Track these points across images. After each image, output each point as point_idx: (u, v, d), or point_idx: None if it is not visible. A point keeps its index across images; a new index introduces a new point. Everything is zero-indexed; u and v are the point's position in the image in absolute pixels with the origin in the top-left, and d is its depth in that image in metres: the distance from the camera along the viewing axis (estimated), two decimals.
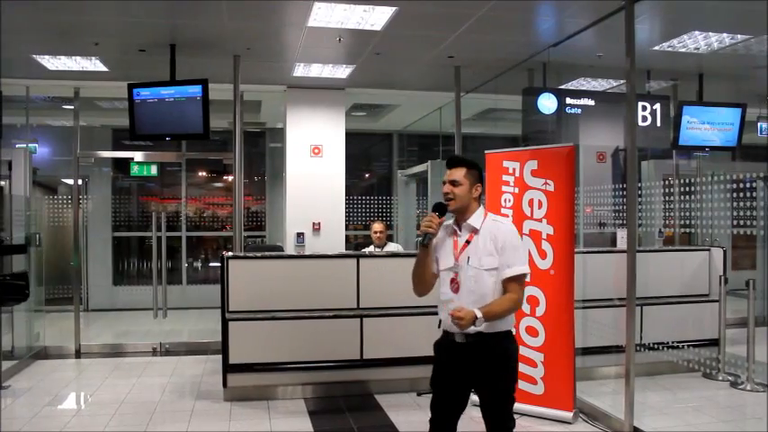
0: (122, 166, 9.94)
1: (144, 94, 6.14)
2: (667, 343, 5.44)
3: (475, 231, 3.01)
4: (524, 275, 3.00)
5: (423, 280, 3.13)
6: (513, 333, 3.09)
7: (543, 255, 4.90)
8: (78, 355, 7.00)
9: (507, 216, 5.13)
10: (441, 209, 3.04)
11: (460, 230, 3.06)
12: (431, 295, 3.19)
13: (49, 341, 7.06)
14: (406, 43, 6.05)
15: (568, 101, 6.44)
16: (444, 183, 3.07)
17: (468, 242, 3.02)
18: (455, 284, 3.01)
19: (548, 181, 4.93)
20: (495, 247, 2.95)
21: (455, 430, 3.08)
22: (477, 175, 3.08)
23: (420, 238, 3.02)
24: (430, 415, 3.09)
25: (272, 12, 5.25)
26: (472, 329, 2.88)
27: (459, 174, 3.04)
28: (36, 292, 7.18)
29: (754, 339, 5.29)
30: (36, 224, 7.31)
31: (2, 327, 5.89)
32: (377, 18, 5.30)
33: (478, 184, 3.07)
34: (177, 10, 5.19)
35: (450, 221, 3.11)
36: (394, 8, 5.05)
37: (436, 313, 4.99)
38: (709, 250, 6.12)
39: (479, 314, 2.81)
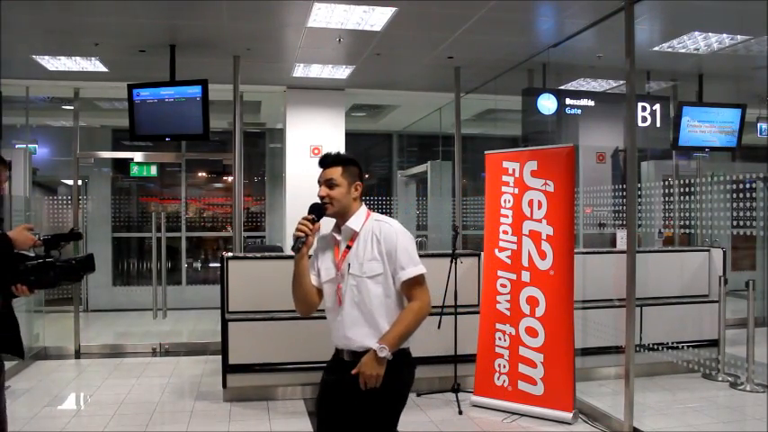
0: (122, 166, 9.93)
1: (144, 94, 6.14)
2: (667, 343, 5.44)
3: (355, 235, 2.66)
4: (422, 276, 2.61)
5: (302, 297, 2.75)
6: (409, 353, 2.69)
7: (543, 255, 4.90)
8: (78, 355, 6.99)
9: (507, 216, 5.15)
10: (317, 211, 2.67)
11: (340, 235, 2.71)
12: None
13: (49, 342, 7.06)
14: (405, 44, 6.05)
15: (568, 101, 6.44)
16: (320, 184, 2.71)
17: (348, 248, 2.66)
18: (338, 296, 2.66)
19: (547, 181, 4.93)
20: (379, 251, 2.60)
21: None
22: (355, 173, 2.73)
23: (292, 246, 2.65)
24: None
25: (272, 12, 5.25)
26: (358, 348, 2.57)
27: (334, 173, 2.67)
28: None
29: (753, 340, 5.28)
30: (36, 224, 7.31)
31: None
32: (377, 19, 5.30)
33: (358, 183, 2.73)
34: (177, 10, 5.19)
35: (329, 231, 2.76)
36: (394, 9, 5.05)
37: (437, 314, 5.03)
38: (708, 251, 6.12)
39: (384, 353, 2.45)
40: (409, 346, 2.67)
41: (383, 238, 2.61)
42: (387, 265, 2.60)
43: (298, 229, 2.62)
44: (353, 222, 2.68)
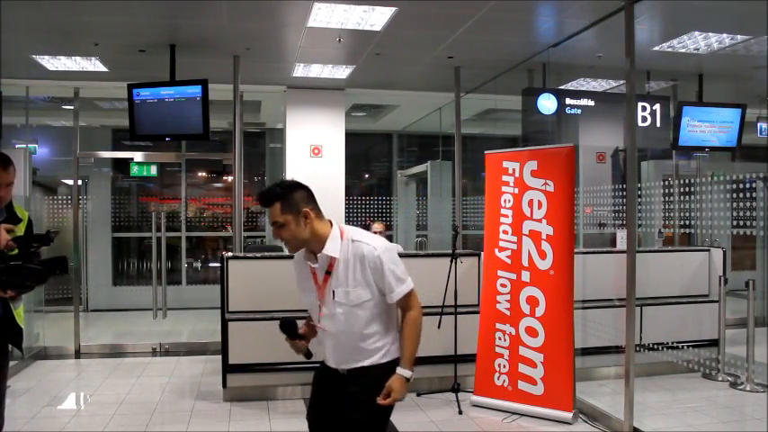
0: (122, 166, 9.93)
1: (144, 94, 6.14)
2: (667, 343, 5.44)
3: (333, 260, 2.52)
4: (413, 290, 2.57)
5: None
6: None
7: (543, 255, 4.90)
8: (78, 355, 7.00)
9: (507, 216, 5.15)
10: (288, 329, 2.65)
11: (316, 260, 2.56)
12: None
13: (49, 341, 7.06)
14: (405, 44, 6.05)
15: (568, 101, 6.45)
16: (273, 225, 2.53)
17: (328, 273, 2.53)
18: (323, 320, 2.60)
19: (547, 181, 4.93)
20: (364, 277, 2.50)
21: None
22: (297, 200, 2.48)
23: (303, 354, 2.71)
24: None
25: (272, 12, 5.25)
26: (352, 366, 2.58)
27: (275, 213, 2.46)
28: (36, 292, 7.15)
29: (753, 340, 5.28)
30: (36, 224, 7.28)
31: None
32: (377, 18, 5.30)
33: (305, 210, 2.48)
34: (177, 10, 5.19)
35: (301, 254, 2.66)
36: (394, 8, 5.05)
37: (436, 314, 5.03)
38: (708, 251, 6.12)
39: (409, 374, 2.52)
40: (397, 356, 2.63)
41: (367, 264, 2.49)
42: (374, 288, 2.53)
43: (295, 349, 2.69)
44: (330, 249, 2.51)
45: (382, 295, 2.55)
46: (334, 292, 2.52)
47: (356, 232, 2.59)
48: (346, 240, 2.53)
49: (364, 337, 2.56)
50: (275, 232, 2.51)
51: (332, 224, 2.58)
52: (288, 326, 2.64)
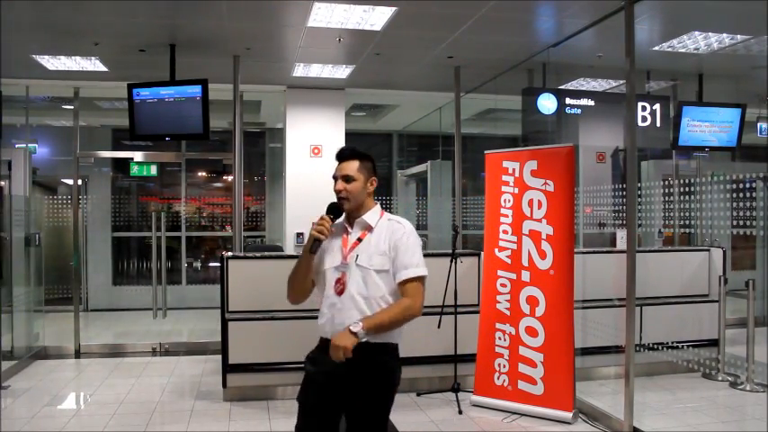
0: (122, 166, 9.94)
1: (144, 94, 6.14)
2: (667, 343, 5.44)
3: (369, 229, 2.69)
4: (423, 278, 2.63)
5: (301, 287, 2.79)
6: (398, 350, 2.71)
7: (543, 255, 4.91)
8: (78, 355, 7.00)
9: (507, 216, 5.16)
10: (336, 211, 2.71)
11: (352, 227, 2.72)
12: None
13: (49, 341, 7.06)
14: (405, 43, 6.05)
15: (568, 101, 6.45)
16: (336, 179, 2.72)
17: (359, 240, 2.68)
18: (340, 285, 2.64)
19: (547, 181, 4.94)
20: (387, 248, 2.63)
21: None
22: (371, 168, 2.74)
23: (308, 244, 2.68)
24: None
25: (272, 12, 5.25)
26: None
27: (351, 168, 2.69)
28: (36, 291, 7.19)
29: (753, 340, 5.28)
30: (36, 224, 7.31)
31: (1, 327, 5.90)
32: (377, 18, 5.30)
33: (373, 178, 2.75)
34: (177, 10, 5.18)
35: (341, 219, 2.77)
36: (394, 8, 5.05)
37: (437, 313, 5.03)
38: (708, 250, 6.12)
39: (357, 328, 2.44)
40: (398, 342, 2.68)
41: (394, 236, 2.64)
42: (393, 262, 2.62)
43: (317, 230, 2.63)
44: (369, 217, 2.71)
45: (394, 275, 2.61)
46: (358, 256, 2.64)
47: (394, 215, 2.78)
48: (384, 218, 2.73)
49: (374, 305, 2.59)
50: (340, 185, 2.68)
51: (378, 205, 2.80)
52: (337, 208, 2.72)
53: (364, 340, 2.48)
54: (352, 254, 2.66)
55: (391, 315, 2.56)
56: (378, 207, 2.76)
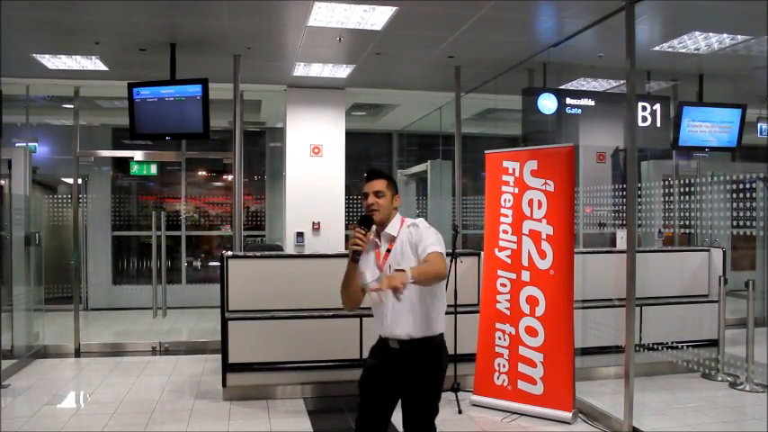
0: (122, 165, 9.93)
1: (144, 93, 6.14)
2: (667, 343, 5.44)
3: (393, 240, 3.06)
4: (442, 253, 2.95)
5: (352, 296, 3.12)
6: (443, 337, 3.09)
7: (543, 255, 4.91)
8: (78, 354, 7.00)
9: (507, 216, 5.16)
10: (368, 222, 3.05)
11: (380, 241, 3.10)
12: None
13: (49, 340, 7.07)
14: (406, 43, 6.05)
15: (568, 101, 6.45)
16: (366, 195, 3.09)
17: (389, 251, 3.06)
18: (380, 294, 2.99)
19: (547, 181, 4.94)
20: (411, 249, 2.99)
21: None
22: (394, 187, 3.18)
23: (350, 255, 3.01)
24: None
25: (273, 11, 5.25)
26: (405, 337, 2.96)
27: (381, 185, 3.11)
28: (36, 290, 7.19)
29: (753, 340, 5.28)
30: (36, 223, 7.31)
31: (1, 326, 5.90)
32: (377, 18, 5.30)
33: (397, 195, 3.18)
34: (177, 9, 5.18)
35: (372, 236, 3.11)
36: (394, 8, 5.05)
37: None
38: (708, 251, 6.12)
39: (408, 274, 2.74)
40: (443, 331, 3.06)
41: (412, 238, 3.01)
42: (417, 258, 2.93)
43: (354, 243, 2.97)
44: (391, 228, 3.08)
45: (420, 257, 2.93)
46: (390, 266, 3.00)
47: (413, 220, 3.13)
48: (404, 225, 3.09)
49: (416, 308, 2.96)
50: (372, 199, 3.06)
51: (398, 215, 3.17)
52: (368, 219, 3.05)
53: (414, 336, 2.93)
54: (386, 265, 3.03)
55: (427, 268, 2.85)
56: (398, 217, 3.13)
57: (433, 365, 3.02)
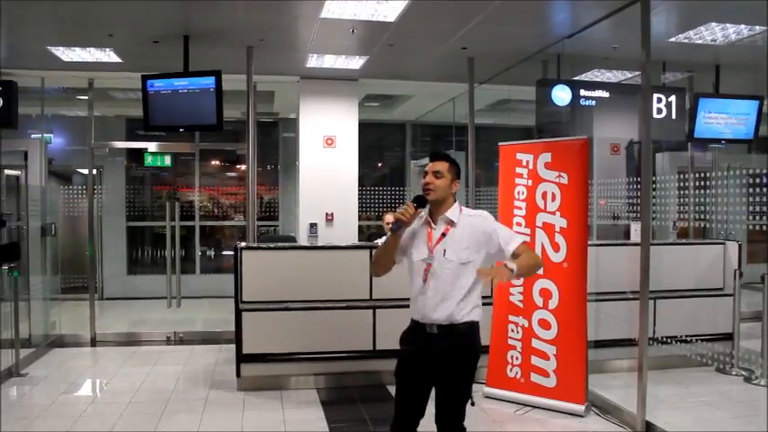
0: (136, 155, 9.98)
1: (158, 85, 6.17)
2: (680, 337, 5.42)
3: (451, 224, 3.05)
4: (526, 244, 3.07)
5: (384, 264, 3.19)
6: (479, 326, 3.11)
7: (556, 247, 4.89)
8: (94, 343, 7.08)
9: (521, 208, 5.14)
10: (421, 201, 3.07)
11: (435, 223, 3.08)
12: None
13: (65, 329, 7.15)
14: (419, 35, 6.03)
15: (583, 92, 6.41)
16: (426, 174, 3.10)
17: (443, 234, 3.04)
18: (426, 275, 3.03)
19: (561, 174, 4.91)
20: (475, 240, 3.00)
21: (417, 425, 3.09)
22: (457, 173, 3.14)
23: (392, 225, 3.06)
24: (431, 407, 3.07)
25: (286, 3, 5.23)
26: (444, 321, 2.97)
27: (443, 166, 3.09)
28: (52, 280, 7.27)
29: None
30: (51, 214, 7.39)
31: (19, 315, 5.98)
32: (390, 10, 5.28)
33: (457, 181, 3.13)
34: (191, 1, 5.19)
35: (424, 213, 3.13)
36: (407, 0, 5.03)
37: None
38: (724, 244, 6.08)
39: (513, 266, 2.83)
40: (479, 320, 3.06)
41: (480, 228, 3.03)
42: (480, 253, 3.00)
43: (402, 213, 3.00)
44: (451, 213, 3.07)
45: (490, 257, 3.01)
46: (445, 250, 3.00)
47: (471, 210, 3.16)
48: (464, 213, 3.09)
49: (462, 296, 2.97)
50: (429, 178, 3.06)
51: (458, 203, 3.15)
52: (422, 199, 3.07)
53: (453, 321, 2.95)
54: (439, 248, 3.02)
55: (530, 261, 2.99)
56: (457, 204, 3.11)
57: (468, 350, 3.03)
